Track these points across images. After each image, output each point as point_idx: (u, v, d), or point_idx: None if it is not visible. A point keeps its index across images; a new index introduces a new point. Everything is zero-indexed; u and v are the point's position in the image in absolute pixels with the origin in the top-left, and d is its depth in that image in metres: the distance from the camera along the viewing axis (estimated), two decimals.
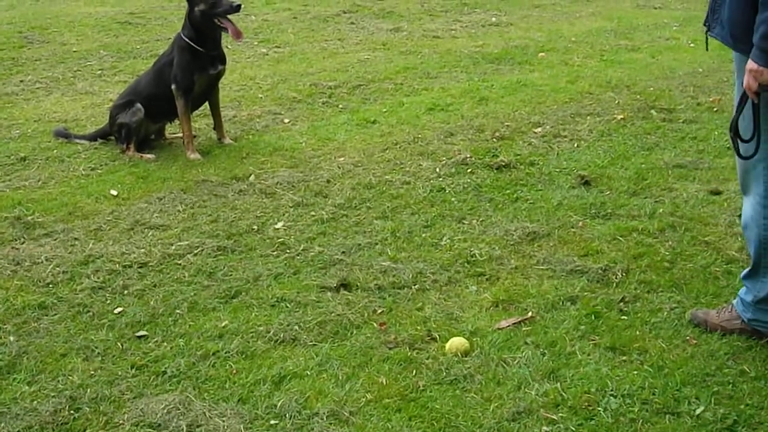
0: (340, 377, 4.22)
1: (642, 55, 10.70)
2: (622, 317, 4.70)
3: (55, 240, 5.76)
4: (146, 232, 5.86)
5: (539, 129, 7.82)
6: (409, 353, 4.40)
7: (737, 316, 4.47)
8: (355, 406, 4.01)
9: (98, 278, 5.24)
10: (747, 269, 4.42)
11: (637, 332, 4.55)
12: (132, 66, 10.57)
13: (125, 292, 5.09)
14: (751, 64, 3.85)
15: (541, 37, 11.98)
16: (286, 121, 8.30)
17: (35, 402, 4.07)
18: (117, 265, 5.39)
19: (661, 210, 6.03)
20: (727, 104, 8.42)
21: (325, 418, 3.91)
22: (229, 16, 7.21)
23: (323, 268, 5.33)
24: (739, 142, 4.14)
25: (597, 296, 4.91)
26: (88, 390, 4.15)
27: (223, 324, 4.71)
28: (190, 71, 7.27)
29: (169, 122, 7.76)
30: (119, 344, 4.55)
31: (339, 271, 5.25)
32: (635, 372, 4.21)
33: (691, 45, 11.21)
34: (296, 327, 4.65)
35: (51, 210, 6.23)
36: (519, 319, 4.69)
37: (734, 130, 4.14)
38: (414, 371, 4.25)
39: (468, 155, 7.08)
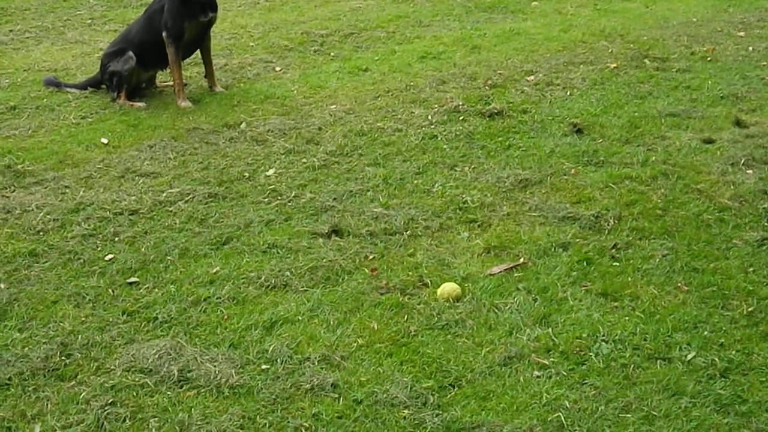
0: (332, 322, 4.23)
1: (636, 5, 10.61)
2: (614, 264, 4.71)
3: (45, 188, 5.74)
4: (137, 180, 5.84)
5: (532, 77, 7.78)
6: (400, 299, 4.40)
7: None
8: (346, 351, 4.02)
9: (89, 226, 5.22)
10: None
11: (629, 278, 4.55)
12: (122, 15, 10.48)
13: (116, 239, 5.08)
14: None
15: None
16: (278, 69, 8.25)
17: (26, 348, 4.07)
18: (108, 213, 5.37)
19: (653, 158, 6.01)
20: (721, 54, 8.38)
21: (316, 363, 3.92)
22: None
23: (315, 214, 5.32)
24: None
25: (589, 243, 4.91)
26: (80, 336, 4.15)
27: (214, 270, 4.71)
28: (181, 18, 7.20)
29: (161, 70, 7.71)
30: (110, 291, 4.55)
31: (330, 218, 5.24)
32: (627, 318, 4.22)
33: None
34: (287, 273, 4.65)
35: (41, 158, 6.20)
36: (511, 265, 4.68)
37: None
38: (405, 316, 4.26)
39: (460, 103, 7.05)
